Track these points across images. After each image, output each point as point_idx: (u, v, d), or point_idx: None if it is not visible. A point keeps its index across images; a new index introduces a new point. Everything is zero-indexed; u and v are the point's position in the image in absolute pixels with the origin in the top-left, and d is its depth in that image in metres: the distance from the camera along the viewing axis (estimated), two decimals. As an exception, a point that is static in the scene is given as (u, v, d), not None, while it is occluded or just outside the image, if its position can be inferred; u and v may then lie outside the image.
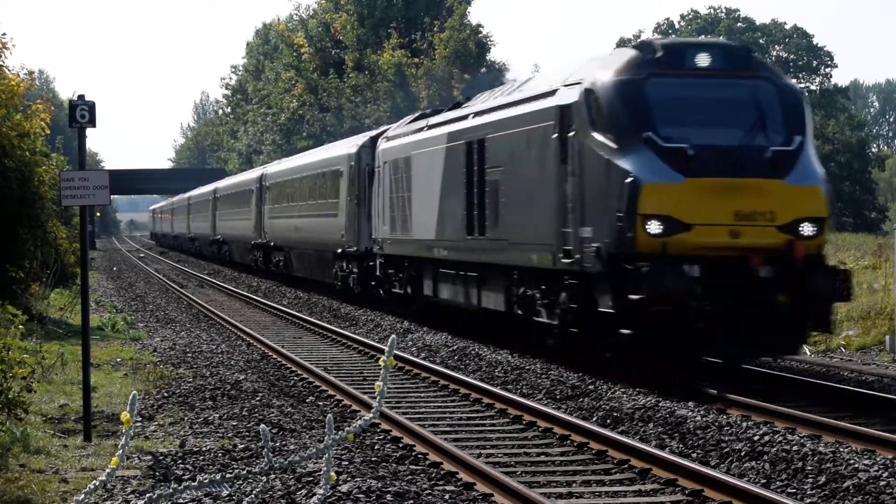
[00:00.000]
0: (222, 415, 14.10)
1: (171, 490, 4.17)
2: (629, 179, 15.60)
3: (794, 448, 11.56)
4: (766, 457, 11.44)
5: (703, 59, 16.54)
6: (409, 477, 10.83)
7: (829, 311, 15.88)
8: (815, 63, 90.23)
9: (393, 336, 4.53)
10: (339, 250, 31.31)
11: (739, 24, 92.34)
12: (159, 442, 12.46)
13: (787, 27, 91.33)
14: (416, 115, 28.97)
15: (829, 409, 14.24)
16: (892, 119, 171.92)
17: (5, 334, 13.13)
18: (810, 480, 10.58)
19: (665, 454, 11.19)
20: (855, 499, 9.95)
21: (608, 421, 13.78)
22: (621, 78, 16.36)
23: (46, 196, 24.73)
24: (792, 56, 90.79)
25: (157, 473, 10.70)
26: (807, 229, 15.82)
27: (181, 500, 9.41)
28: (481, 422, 14.02)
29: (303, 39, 71.55)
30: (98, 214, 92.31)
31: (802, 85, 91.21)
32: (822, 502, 10.01)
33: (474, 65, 59.82)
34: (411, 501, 9.75)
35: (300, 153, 49.80)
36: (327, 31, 70.46)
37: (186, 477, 10.62)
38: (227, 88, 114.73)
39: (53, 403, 14.74)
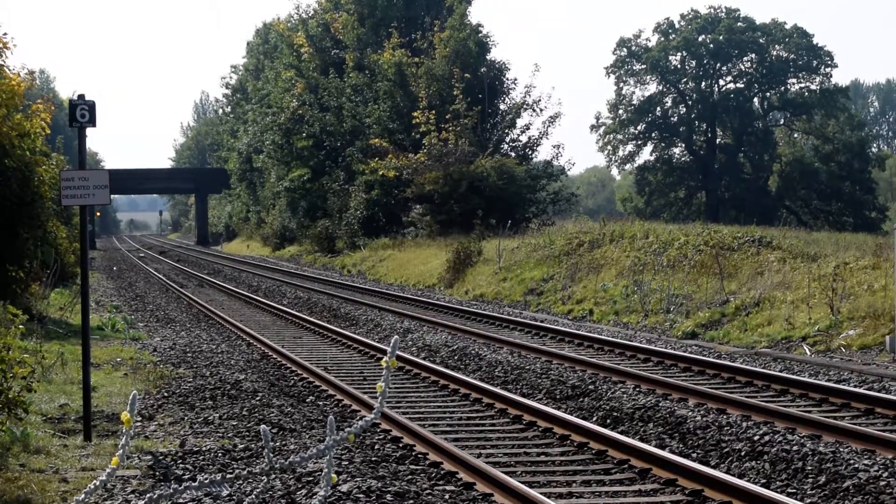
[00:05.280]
0: (222, 415, 14.11)
1: (171, 490, 4.16)
2: None
3: (794, 448, 11.56)
4: (766, 457, 11.43)
5: None
6: (409, 477, 10.83)
7: None
8: (815, 63, 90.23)
9: (395, 337, 4.52)
10: None
11: (739, 24, 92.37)
12: (159, 442, 12.46)
13: (788, 27, 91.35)
14: None
15: (829, 409, 14.23)
16: (892, 119, 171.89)
17: (5, 334, 13.12)
18: (810, 480, 10.58)
19: (665, 454, 11.18)
20: (855, 499, 9.94)
21: (608, 421, 13.77)
22: None
23: (46, 196, 24.72)
24: (792, 56, 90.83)
25: (157, 473, 10.71)
26: None
27: (181, 500, 9.40)
28: (481, 422, 14.01)
29: (303, 39, 71.50)
30: (98, 214, 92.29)
31: (802, 85, 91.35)
32: (822, 502, 10.01)
33: (474, 65, 59.74)
34: (411, 501, 9.76)
35: None
36: (327, 30, 70.41)
37: (186, 477, 10.63)
38: (227, 88, 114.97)
39: (53, 403, 14.74)
